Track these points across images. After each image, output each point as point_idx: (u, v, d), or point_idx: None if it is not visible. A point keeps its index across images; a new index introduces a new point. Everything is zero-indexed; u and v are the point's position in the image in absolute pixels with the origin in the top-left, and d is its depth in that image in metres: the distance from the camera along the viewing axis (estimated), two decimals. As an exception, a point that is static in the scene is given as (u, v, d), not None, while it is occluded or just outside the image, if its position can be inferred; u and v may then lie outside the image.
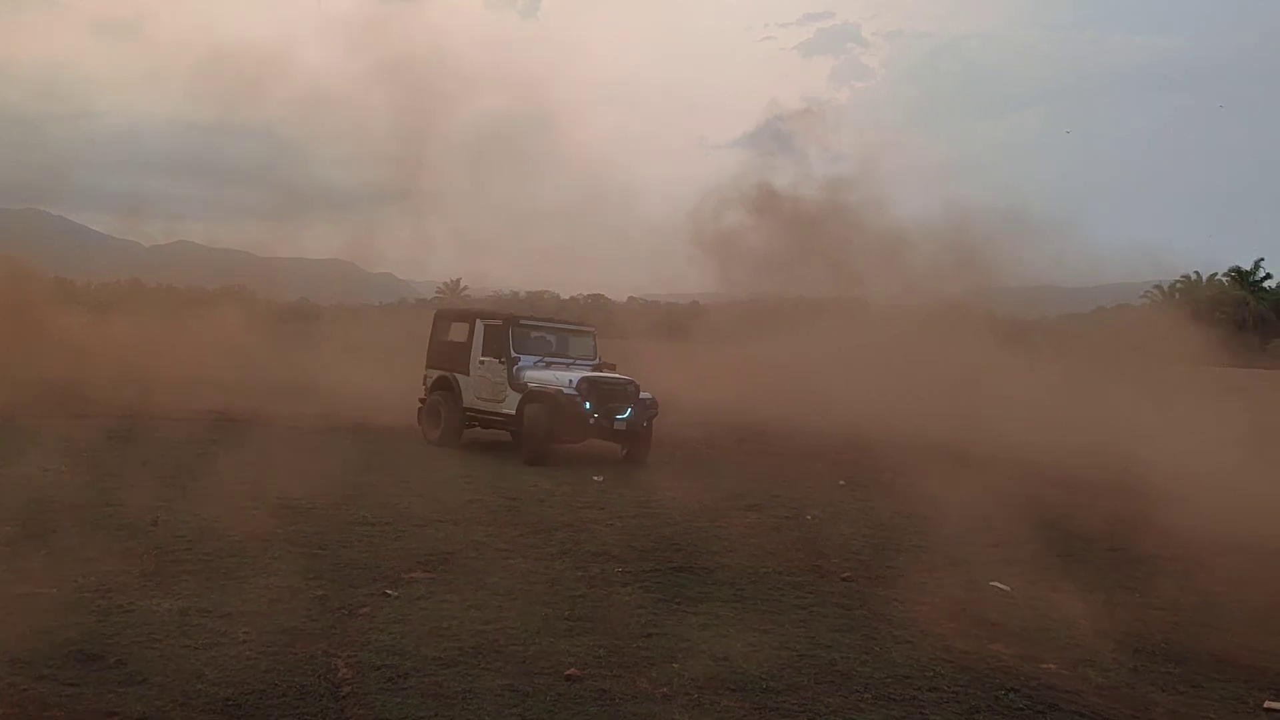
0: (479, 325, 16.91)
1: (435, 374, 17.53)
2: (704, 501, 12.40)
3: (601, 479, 14.00)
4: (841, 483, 14.92)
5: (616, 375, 16.51)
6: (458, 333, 17.45)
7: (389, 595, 7.53)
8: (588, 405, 15.52)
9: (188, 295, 33.32)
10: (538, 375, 16.07)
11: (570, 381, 15.64)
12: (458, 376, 16.96)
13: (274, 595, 7.36)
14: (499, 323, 16.71)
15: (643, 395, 16.20)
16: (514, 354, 16.33)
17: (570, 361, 16.87)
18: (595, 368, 16.90)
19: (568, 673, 6.10)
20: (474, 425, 16.96)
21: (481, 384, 16.56)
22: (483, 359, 16.64)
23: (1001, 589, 9.01)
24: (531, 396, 15.74)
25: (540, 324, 17.64)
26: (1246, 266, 52.14)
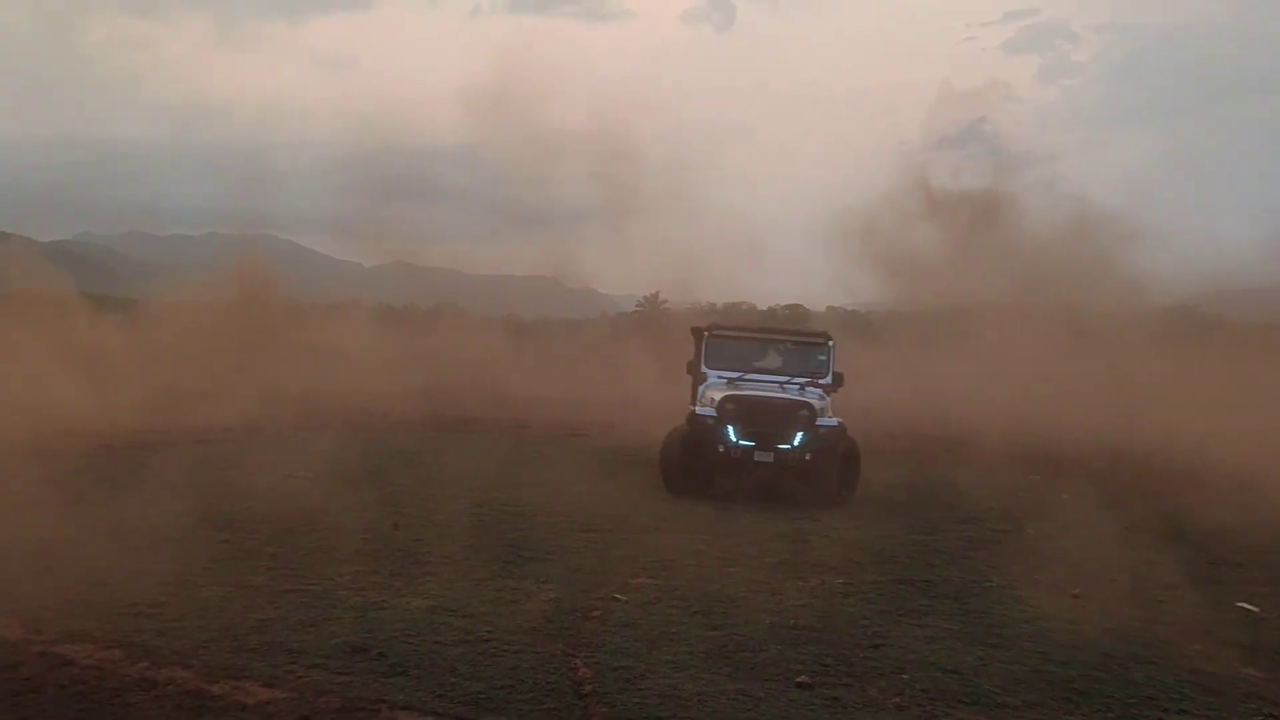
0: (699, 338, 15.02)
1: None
2: (921, 516, 12.18)
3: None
4: (1065, 496, 14.32)
5: (783, 395, 13.54)
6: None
7: (618, 600, 7.77)
8: (729, 430, 13.02)
9: (406, 311, 35.12)
10: (709, 394, 13.94)
11: (714, 401, 13.44)
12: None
13: (510, 597, 7.73)
14: (703, 333, 14.82)
15: (822, 421, 13.06)
16: (704, 369, 14.41)
17: (784, 380, 14.14)
18: (828, 388, 14.09)
19: (798, 680, 6.16)
20: None
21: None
22: (689, 375, 15.06)
23: (1250, 610, 8.48)
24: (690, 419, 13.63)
25: (742, 333, 15.11)
26: None
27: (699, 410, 13.42)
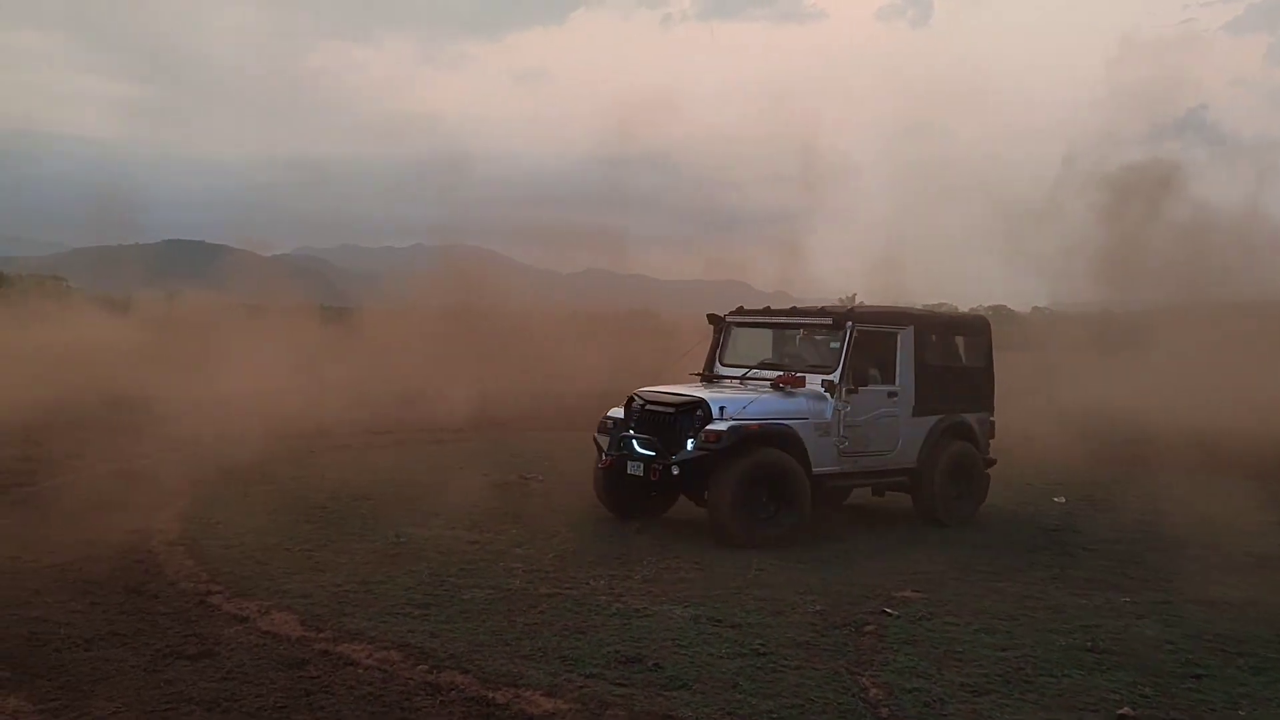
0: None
1: None
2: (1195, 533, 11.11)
3: (1063, 499, 12.97)
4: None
5: (688, 391, 10.24)
6: None
7: (889, 614, 7.27)
8: (632, 437, 10.23)
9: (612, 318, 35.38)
10: None
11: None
12: None
13: (775, 607, 7.35)
14: (723, 321, 11.82)
15: (723, 424, 9.53)
16: (718, 365, 11.50)
17: (789, 374, 10.43)
18: (832, 386, 10.14)
19: (1120, 712, 5.52)
20: None
21: None
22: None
23: None
24: None
25: (752, 320, 11.65)
26: None
27: (610, 411, 10.76)
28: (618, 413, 10.59)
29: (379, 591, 7.39)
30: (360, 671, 5.70)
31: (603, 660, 6.02)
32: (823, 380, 10.18)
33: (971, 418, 11.35)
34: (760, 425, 9.71)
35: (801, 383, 10.22)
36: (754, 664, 6.08)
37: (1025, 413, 17.55)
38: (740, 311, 11.71)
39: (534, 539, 9.39)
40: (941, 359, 11.36)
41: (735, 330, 11.66)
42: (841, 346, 10.32)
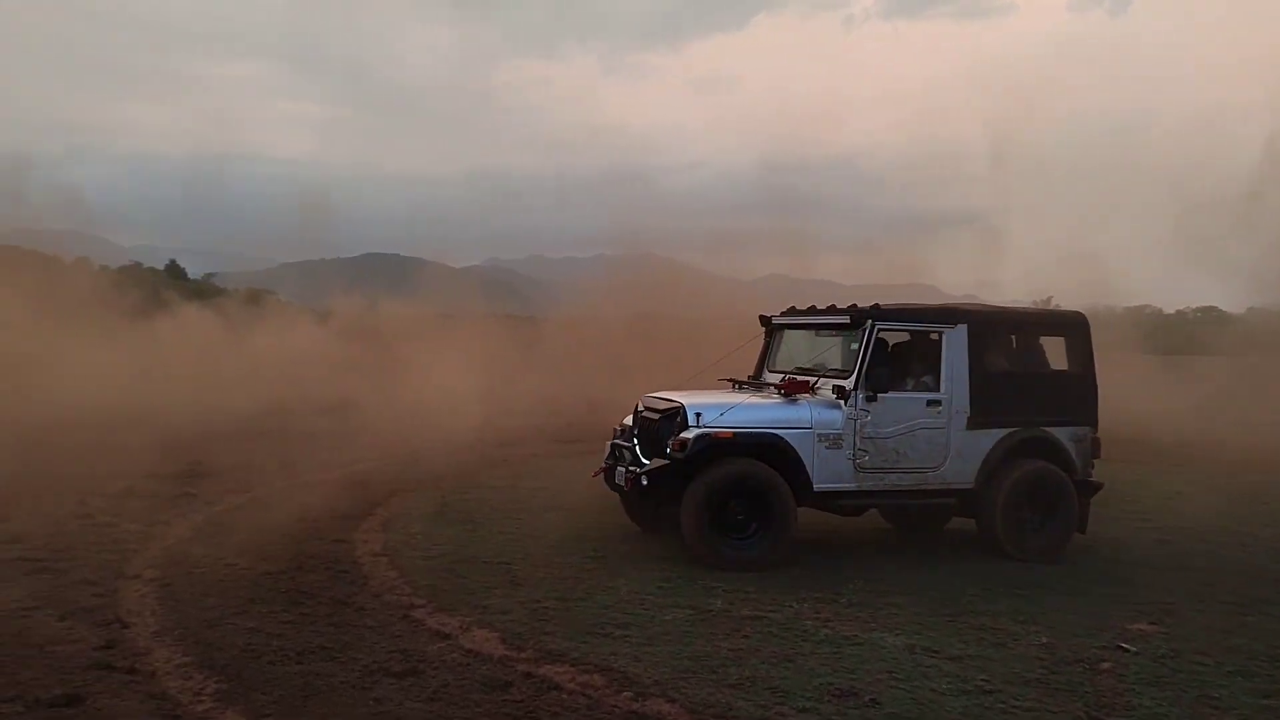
0: None
1: None
2: None
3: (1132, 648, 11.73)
4: None
5: (674, 398, 9.48)
6: None
7: (1127, 650, 6.62)
8: (636, 445, 9.77)
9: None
10: None
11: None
12: None
13: (994, 638, 6.82)
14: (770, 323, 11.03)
15: (692, 432, 8.89)
16: (765, 370, 10.77)
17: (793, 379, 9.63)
18: (842, 393, 9.20)
19: None
20: None
21: None
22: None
23: None
24: None
25: (787, 321, 10.70)
26: None
27: (627, 418, 10.25)
28: (630, 420, 10.08)
29: (578, 609, 7.25)
30: (564, 697, 5.53)
31: (815, 692, 5.66)
32: (834, 386, 9.24)
33: (1060, 432, 9.71)
34: (735, 433, 8.85)
35: (804, 387, 9.34)
36: (980, 703, 5.60)
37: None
38: (788, 313, 10.65)
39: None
40: (1014, 363, 9.91)
41: (785, 333, 10.74)
42: (860, 348, 9.24)
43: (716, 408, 9.04)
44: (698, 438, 8.81)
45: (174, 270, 55.83)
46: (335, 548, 9.06)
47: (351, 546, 9.15)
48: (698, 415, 8.97)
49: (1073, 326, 10.11)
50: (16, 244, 26.10)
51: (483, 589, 7.73)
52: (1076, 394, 9.89)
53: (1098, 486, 9.87)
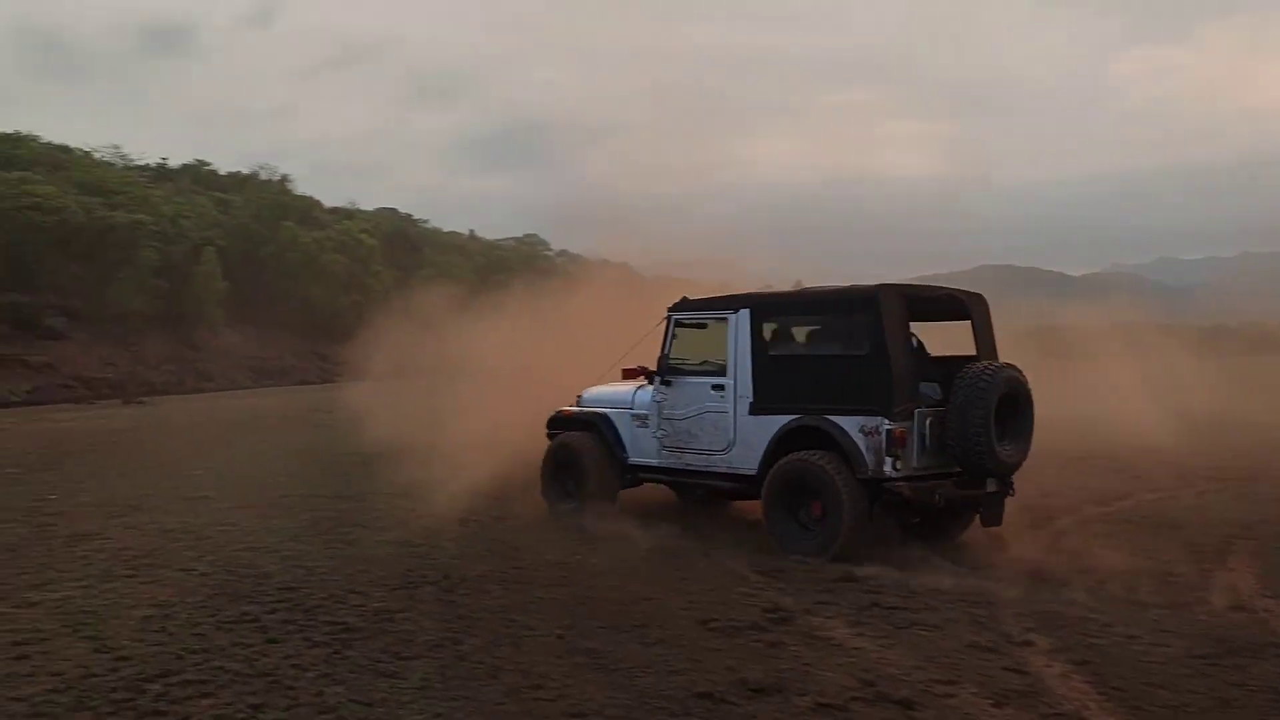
0: None
1: None
2: None
3: None
4: None
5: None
6: None
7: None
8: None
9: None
10: None
11: None
12: None
13: None
14: None
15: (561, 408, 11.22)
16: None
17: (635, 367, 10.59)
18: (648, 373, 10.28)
19: None
20: None
21: None
22: None
23: None
24: None
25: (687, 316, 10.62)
26: None
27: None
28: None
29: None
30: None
31: None
32: (646, 371, 10.16)
33: (847, 421, 8.56)
34: (575, 412, 10.71)
35: (636, 374, 10.24)
36: None
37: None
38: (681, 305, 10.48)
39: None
40: (806, 347, 9.68)
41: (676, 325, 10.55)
42: (664, 336, 10.07)
43: (593, 391, 10.83)
44: (553, 415, 10.96)
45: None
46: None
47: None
48: (579, 397, 10.89)
49: (861, 303, 8.91)
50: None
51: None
52: (867, 378, 8.70)
53: (890, 483, 8.40)
